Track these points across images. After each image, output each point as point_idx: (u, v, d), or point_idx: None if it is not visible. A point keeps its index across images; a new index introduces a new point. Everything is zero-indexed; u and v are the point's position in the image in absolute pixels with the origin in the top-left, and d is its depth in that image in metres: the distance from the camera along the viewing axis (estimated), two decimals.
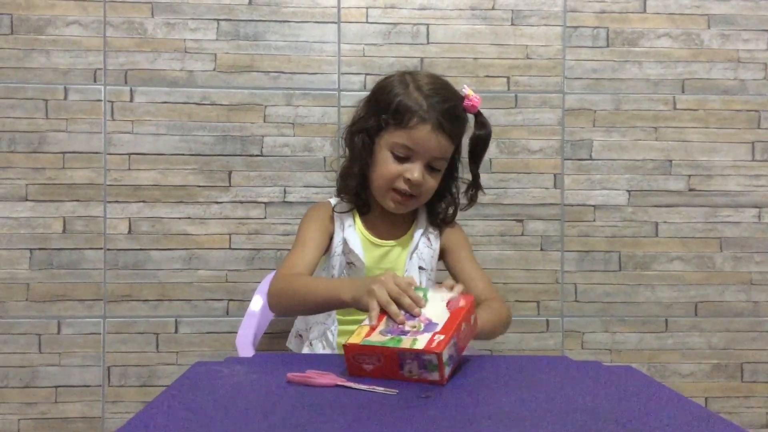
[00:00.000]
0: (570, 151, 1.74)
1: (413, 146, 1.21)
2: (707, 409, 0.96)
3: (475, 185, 1.34)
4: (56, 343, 1.67)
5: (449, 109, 1.22)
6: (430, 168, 1.24)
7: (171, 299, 1.69)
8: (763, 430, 1.75)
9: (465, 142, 1.31)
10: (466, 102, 1.25)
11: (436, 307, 0.98)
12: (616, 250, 1.74)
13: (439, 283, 1.06)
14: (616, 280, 1.75)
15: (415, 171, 1.22)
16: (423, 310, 0.97)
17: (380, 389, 0.86)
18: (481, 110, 1.28)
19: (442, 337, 0.90)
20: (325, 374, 0.90)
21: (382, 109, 1.24)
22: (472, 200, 1.35)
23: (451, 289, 1.02)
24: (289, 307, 1.20)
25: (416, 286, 1.01)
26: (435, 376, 0.88)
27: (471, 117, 1.28)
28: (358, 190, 1.30)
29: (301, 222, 1.33)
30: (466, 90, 1.26)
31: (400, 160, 1.23)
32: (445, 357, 0.88)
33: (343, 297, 1.06)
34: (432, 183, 1.26)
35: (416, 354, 0.88)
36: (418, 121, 1.20)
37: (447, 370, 0.89)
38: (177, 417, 0.75)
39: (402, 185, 1.23)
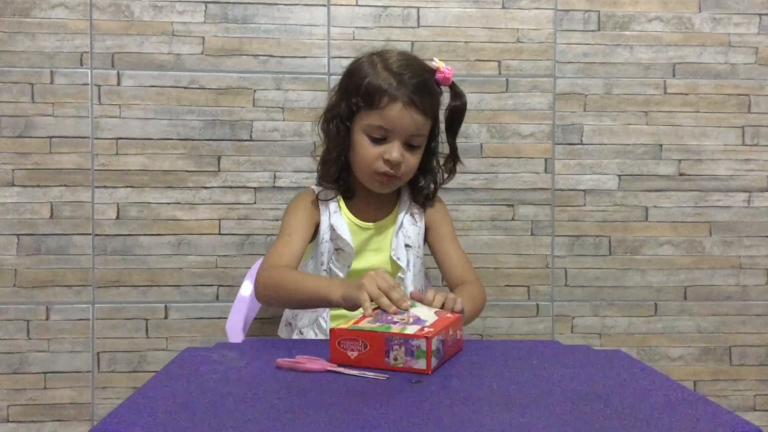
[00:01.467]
0: (561, 135, 1.73)
1: (388, 126, 1.21)
2: (696, 392, 0.97)
3: (453, 157, 1.34)
4: (45, 329, 1.66)
5: (419, 84, 1.21)
6: (408, 146, 1.24)
7: (160, 285, 1.68)
8: (750, 412, 1.76)
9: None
10: (438, 75, 1.25)
11: (425, 311, 1.00)
12: (606, 235, 1.75)
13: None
14: (606, 264, 1.75)
15: (393, 151, 1.21)
16: (412, 311, 0.99)
17: (371, 374, 0.86)
18: (456, 82, 1.28)
19: (431, 329, 0.90)
20: (315, 360, 0.90)
21: (353, 92, 1.23)
22: (451, 172, 1.35)
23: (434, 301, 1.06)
24: (275, 300, 1.21)
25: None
26: (422, 364, 0.87)
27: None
28: (339, 176, 1.30)
29: (286, 212, 1.33)
30: (436, 63, 1.25)
31: (377, 141, 1.22)
32: (434, 345, 0.87)
33: (332, 297, 1.07)
34: (413, 161, 1.26)
35: (405, 339, 0.88)
36: (388, 101, 1.19)
37: (434, 362, 0.88)
38: (167, 403, 0.75)
39: (383, 167, 1.23)
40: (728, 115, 1.75)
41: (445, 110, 1.30)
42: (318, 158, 1.36)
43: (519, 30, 1.72)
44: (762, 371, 1.77)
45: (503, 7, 1.71)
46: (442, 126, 1.32)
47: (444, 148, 1.36)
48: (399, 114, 1.20)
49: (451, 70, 1.25)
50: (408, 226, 1.33)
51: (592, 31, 1.73)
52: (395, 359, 0.89)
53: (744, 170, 1.76)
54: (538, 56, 1.72)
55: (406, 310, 0.98)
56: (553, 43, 1.72)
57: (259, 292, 1.20)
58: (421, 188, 1.35)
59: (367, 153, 1.23)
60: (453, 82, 1.27)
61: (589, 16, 1.73)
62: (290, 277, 1.17)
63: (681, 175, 1.75)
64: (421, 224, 1.35)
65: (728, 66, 1.75)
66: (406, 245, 1.32)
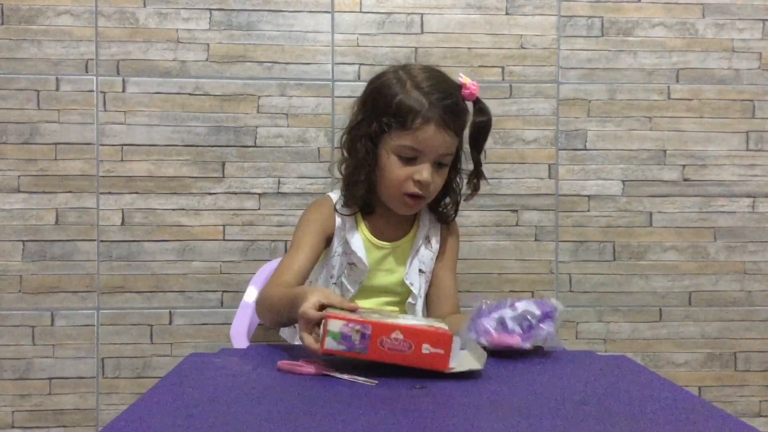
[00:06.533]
0: (564, 141, 1.73)
1: (419, 147, 1.17)
2: (701, 397, 0.97)
3: (477, 173, 1.30)
4: (50, 335, 1.66)
5: (451, 104, 1.18)
6: (437, 165, 1.21)
7: (165, 291, 1.68)
8: (756, 418, 1.76)
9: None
10: (464, 91, 1.21)
11: (417, 319, 1.02)
12: (611, 240, 1.75)
13: None
14: (611, 270, 1.75)
15: (424, 171, 1.18)
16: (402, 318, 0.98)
17: (361, 379, 0.85)
18: (479, 97, 1.25)
19: (356, 317, 0.88)
20: (313, 362, 0.90)
21: (382, 111, 1.19)
22: (476, 189, 1.32)
23: None
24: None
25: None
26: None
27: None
28: (364, 194, 1.26)
29: (300, 221, 1.29)
30: (462, 78, 1.22)
31: (407, 161, 1.19)
32: (335, 327, 0.86)
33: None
34: (440, 180, 1.23)
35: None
36: (422, 122, 1.16)
37: (330, 343, 0.86)
38: (171, 408, 0.75)
39: (412, 188, 1.19)
40: (732, 120, 1.75)
41: (469, 126, 1.26)
42: (331, 163, 1.33)
43: (522, 36, 1.72)
44: (767, 377, 1.77)
45: (507, 14, 1.72)
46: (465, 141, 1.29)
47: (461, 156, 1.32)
48: (432, 135, 1.16)
49: (476, 85, 1.22)
50: (423, 251, 1.31)
51: (595, 36, 1.73)
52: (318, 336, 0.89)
53: (748, 175, 1.76)
54: (541, 62, 1.72)
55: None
56: (557, 49, 1.73)
57: (256, 311, 1.20)
58: (442, 208, 1.32)
59: (397, 174, 1.19)
60: (477, 97, 1.24)
61: (592, 22, 1.73)
62: (275, 291, 1.13)
63: (685, 180, 1.75)
64: (436, 248, 1.33)
65: (732, 71, 1.75)
66: (420, 270, 1.30)
